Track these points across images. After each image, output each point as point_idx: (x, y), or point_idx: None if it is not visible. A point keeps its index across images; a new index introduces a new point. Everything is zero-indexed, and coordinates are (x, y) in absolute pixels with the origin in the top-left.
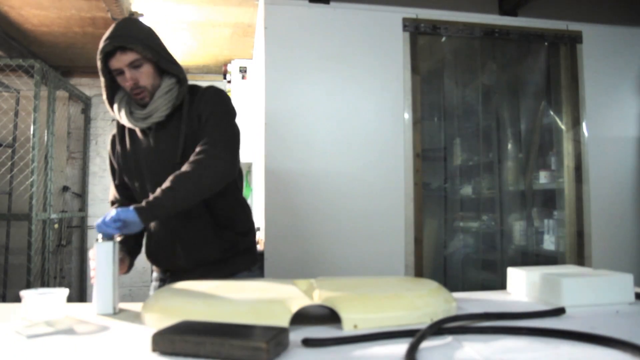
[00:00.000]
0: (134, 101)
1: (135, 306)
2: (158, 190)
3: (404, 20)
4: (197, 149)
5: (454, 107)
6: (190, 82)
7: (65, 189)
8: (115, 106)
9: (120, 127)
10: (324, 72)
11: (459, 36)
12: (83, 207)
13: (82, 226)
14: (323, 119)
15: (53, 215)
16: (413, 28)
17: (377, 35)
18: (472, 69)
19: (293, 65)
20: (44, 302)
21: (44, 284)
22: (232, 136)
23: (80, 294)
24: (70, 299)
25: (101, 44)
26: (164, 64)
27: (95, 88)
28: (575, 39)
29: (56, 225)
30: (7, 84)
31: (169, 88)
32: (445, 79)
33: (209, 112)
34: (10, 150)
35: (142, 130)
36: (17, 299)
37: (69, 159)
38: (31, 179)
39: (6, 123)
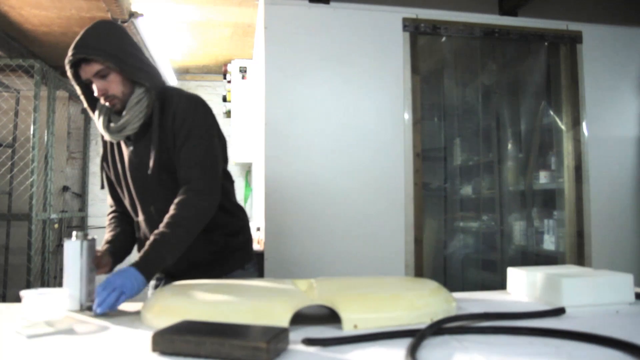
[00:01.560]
0: (110, 109)
1: (135, 306)
2: (149, 245)
3: (404, 20)
4: (182, 182)
5: (454, 107)
6: (180, 82)
7: (65, 189)
8: (96, 115)
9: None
10: (324, 72)
11: (459, 36)
12: (83, 207)
13: (82, 226)
14: (323, 119)
15: (53, 215)
16: (413, 28)
17: (377, 35)
18: (472, 69)
19: (293, 65)
20: (44, 302)
21: (44, 284)
22: (213, 162)
23: None
24: None
25: (68, 55)
26: (129, 73)
27: None
28: (575, 39)
29: (56, 225)
30: (7, 84)
31: (138, 98)
32: (445, 79)
33: (185, 132)
34: (10, 150)
35: (124, 140)
36: (17, 299)
37: (69, 159)
38: (31, 179)
39: (6, 123)
